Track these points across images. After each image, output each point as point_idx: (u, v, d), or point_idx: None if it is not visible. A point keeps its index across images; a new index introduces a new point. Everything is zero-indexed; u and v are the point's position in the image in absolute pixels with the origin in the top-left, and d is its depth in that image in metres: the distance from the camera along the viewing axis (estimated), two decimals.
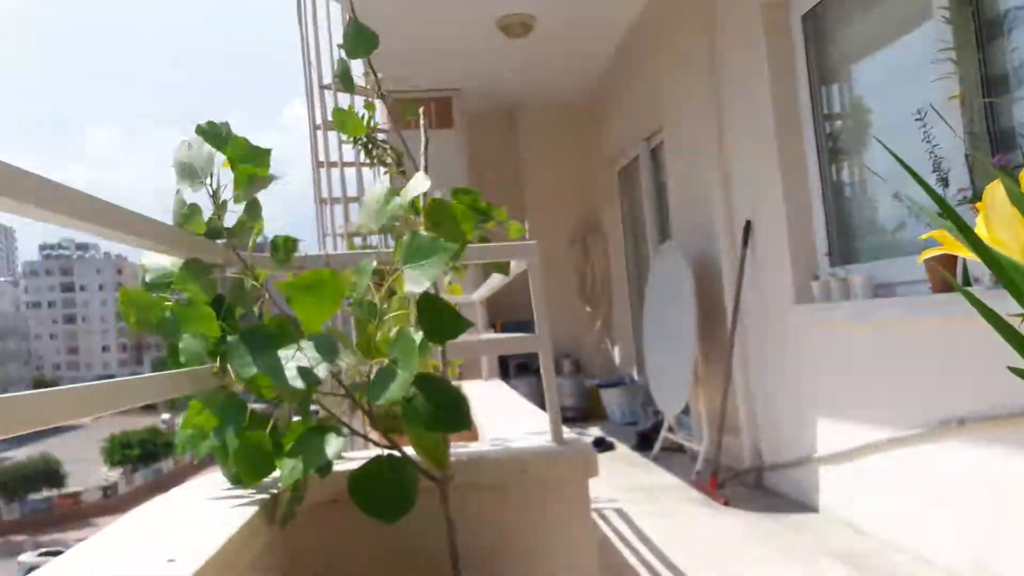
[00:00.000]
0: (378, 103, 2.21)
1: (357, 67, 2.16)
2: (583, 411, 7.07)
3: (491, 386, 4.05)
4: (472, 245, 2.52)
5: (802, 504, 3.63)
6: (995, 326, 0.79)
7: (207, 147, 1.60)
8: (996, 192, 0.83)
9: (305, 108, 6.01)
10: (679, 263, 4.73)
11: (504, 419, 2.64)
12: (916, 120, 2.66)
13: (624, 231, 7.19)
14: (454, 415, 1.43)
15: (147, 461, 51.01)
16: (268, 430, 1.49)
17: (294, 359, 1.40)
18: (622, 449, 5.39)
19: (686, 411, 5.05)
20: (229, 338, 1.47)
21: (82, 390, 1.15)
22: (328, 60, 6.13)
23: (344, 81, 1.86)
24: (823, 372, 3.42)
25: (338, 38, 6.79)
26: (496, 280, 3.25)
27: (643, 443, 5.34)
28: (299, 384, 1.36)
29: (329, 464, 1.52)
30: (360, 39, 1.94)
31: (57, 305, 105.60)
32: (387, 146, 3.91)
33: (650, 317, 5.33)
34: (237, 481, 1.55)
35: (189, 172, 1.61)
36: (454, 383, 3.68)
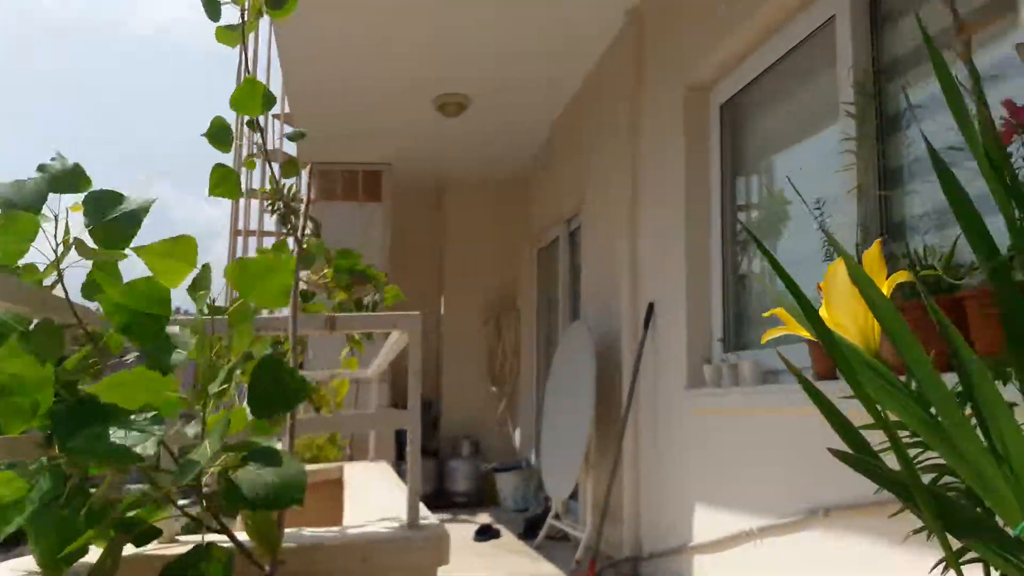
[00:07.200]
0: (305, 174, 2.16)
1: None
2: (476, 496, 6.90)
3: (374, 467, 3.90)
4: (348, 314, 2.48)
5: None
6: (823, 412, 0.78)
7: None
8: (837, 273, 0.80)
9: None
10: (583, 343, 4.71)
11: (374, 502, 2.54)
12: (816, 210, 2.74)
13: (538, 311, 7.19)
14: (281, 490, 1.35)
15: None
16: (85, 510, 1.37)
17: (123, 432, 1.33)
18: (508, 537, 5.22)
19: (576, 497, 4.97)
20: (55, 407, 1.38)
21: None
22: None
23: (218, 139, 1.78)
24: (706, 458, 3.39)
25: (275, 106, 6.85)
26: (388, 352, 3.18)
27: (530, 530, 5.19)
28: (119, 460, 1.28)
29: (147, 533, 1.42)
30: (252, 96, 1.88)
31: None
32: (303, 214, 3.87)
33: (550, 398, 5.28)
34: (46, 565, 1.43)
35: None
36: (335, 464, 3.54)
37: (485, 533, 5.28)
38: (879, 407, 0.73)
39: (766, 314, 0.95)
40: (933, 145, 0.89)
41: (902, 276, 0.81)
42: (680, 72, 3.84)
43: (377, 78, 5.38)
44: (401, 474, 6.70)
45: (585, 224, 5.52)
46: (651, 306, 4.10)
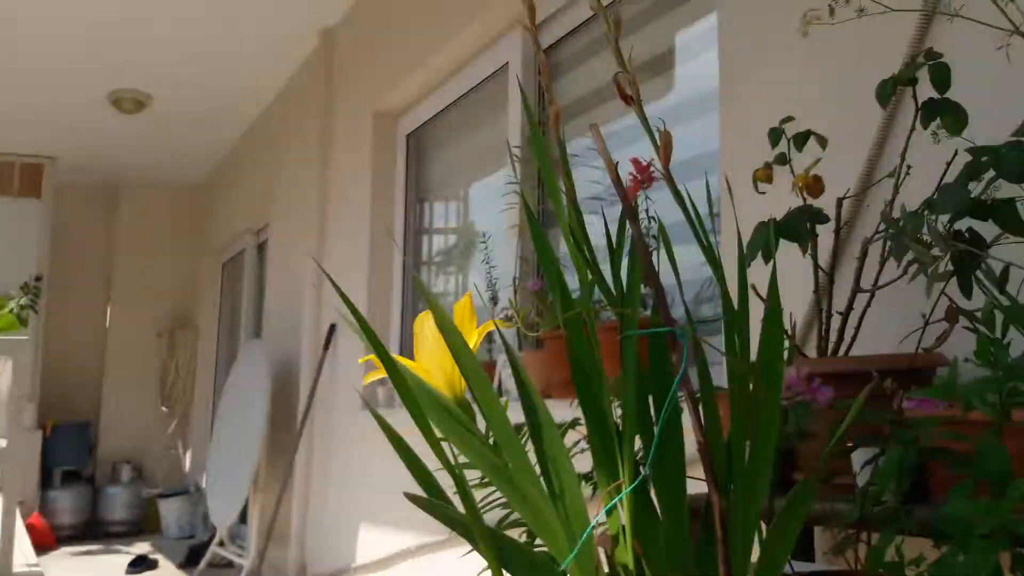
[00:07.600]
0: None
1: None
2: (136, 525, 6.42)
3: None
4: None
5: None
6: (396, 449, 0.80)
7: None
8: (426, 321, 0.83)
9: None
10: (260, 362, 4.54)
11: None
12: (481, 243, 2.88)
13: (220, 327, 6.80)
14: None
15: None
16: None
17: None
18: (167, 567, 4.91)
19: (245, 521, 4.84)
20: None
21: None
22: None
23: None
24: (375, 478, 3.42)
25: None
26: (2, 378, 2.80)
27: (193, 559, 4.91)
28: None
29: None
30: None
31: None
32: None
33: (223, 419, 5.03)
34: None
35: None
36: None
37: (139, 564, 4.93)
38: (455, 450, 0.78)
39: (362, 360, 0.99)
40: (585, 190, 0.97)
41: (491, 325, 0.88)
42: (369, 98, 3.89)
43: (38, 59, 4.79)
44: (43, 505, 6.00)
45: (272, 240, 5.36)
46: (332, 327, 4.08)
